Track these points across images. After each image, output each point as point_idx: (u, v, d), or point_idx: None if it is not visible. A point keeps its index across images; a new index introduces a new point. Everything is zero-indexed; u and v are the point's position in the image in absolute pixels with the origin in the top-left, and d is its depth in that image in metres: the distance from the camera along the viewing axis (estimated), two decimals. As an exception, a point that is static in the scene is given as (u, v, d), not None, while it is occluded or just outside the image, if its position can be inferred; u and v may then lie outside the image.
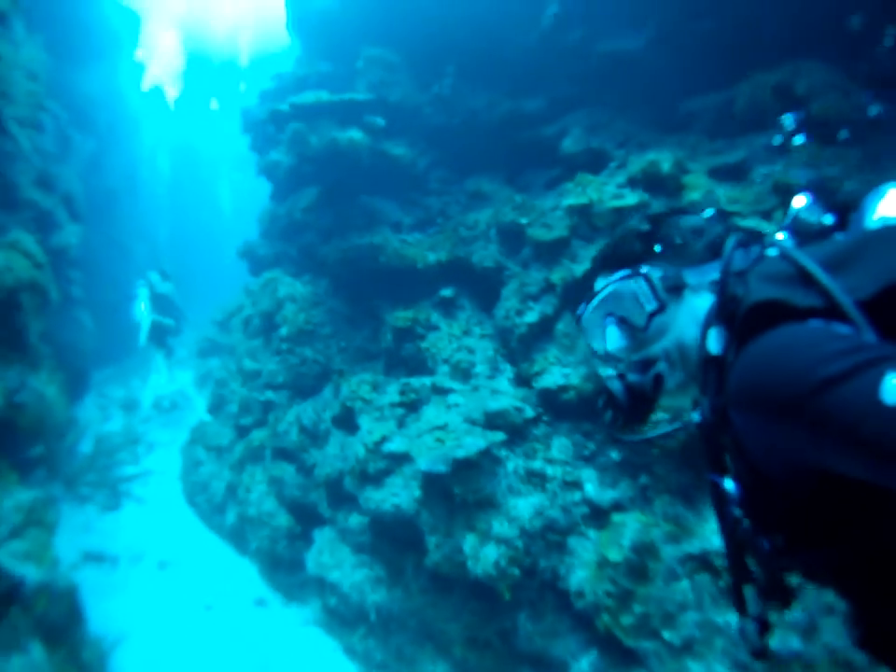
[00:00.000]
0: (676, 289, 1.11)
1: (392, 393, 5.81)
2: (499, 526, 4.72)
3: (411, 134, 7.81)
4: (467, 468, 4.77)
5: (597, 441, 5.00)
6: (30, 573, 4.30)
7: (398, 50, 7.99)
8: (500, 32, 7.63)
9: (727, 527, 1.07)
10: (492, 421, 5.13)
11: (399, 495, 5.13)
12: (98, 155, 13.41)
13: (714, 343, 0.98)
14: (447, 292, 6.46)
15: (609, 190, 5.73)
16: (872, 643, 0.93)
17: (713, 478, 1.07)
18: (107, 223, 14.07)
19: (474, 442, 4.80)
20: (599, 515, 4.67)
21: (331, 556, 5.89)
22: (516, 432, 5.12)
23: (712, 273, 1.09)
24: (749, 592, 1.08)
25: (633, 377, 1.15)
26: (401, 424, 5.53)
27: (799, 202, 1.12)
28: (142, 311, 8.95)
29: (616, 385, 1.15)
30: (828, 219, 1.09)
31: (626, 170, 5.94)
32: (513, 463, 4.99)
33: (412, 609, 5.19)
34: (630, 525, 4.26)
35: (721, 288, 1.01)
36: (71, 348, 8.96)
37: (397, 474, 5.23)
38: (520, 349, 5.77)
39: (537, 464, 4.97)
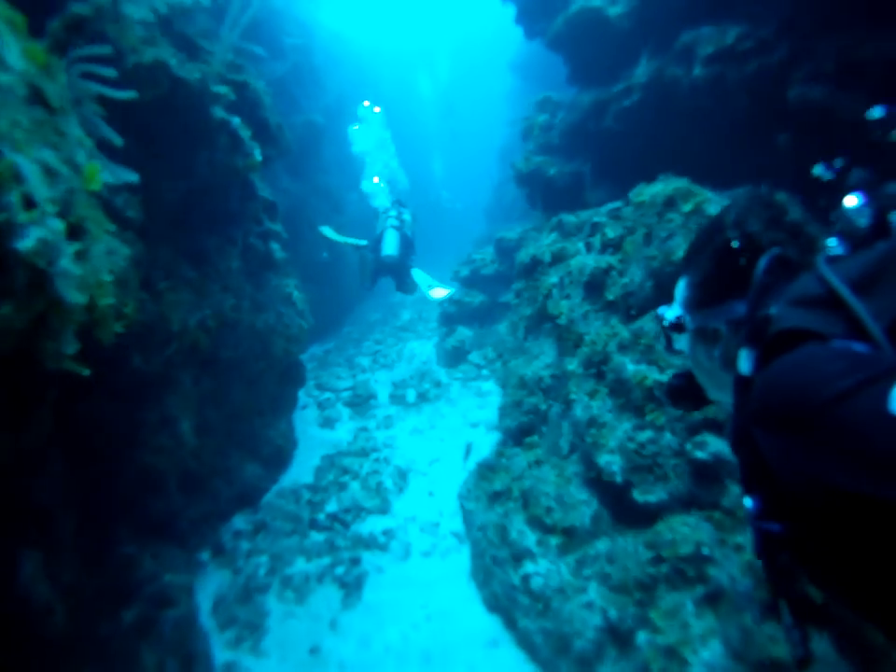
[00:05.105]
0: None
1: None
2: None
3: None
4: None
5: None
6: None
7: None
8: None
9: (757, 543, 1.04)
10: None
11: None
12: (286, 82, 10.17)
13: (745, 363, 0.96)
14: None
15: None
16: None
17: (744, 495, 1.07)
18: (307, 167, 10.95)
19: None
20: None
21: None
22: None
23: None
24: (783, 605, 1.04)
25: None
26: None
27: (850, 201, 1.00)
28: (392, 245, 6.18)
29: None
30: (871, 222, 0.98)
31: None
32: None
33: None
34: None
35: (752, 312, 1.00)
36: (270, 335, 5.73)
37: None
38: None
39: None
